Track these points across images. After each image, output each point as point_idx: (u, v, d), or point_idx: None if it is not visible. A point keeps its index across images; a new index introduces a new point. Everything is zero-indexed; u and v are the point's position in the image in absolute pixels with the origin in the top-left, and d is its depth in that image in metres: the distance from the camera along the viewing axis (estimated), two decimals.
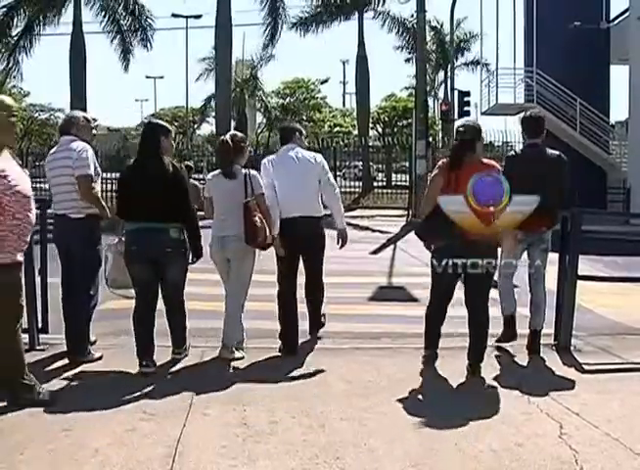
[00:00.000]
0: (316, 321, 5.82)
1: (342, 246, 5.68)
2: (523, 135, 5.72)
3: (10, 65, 27.65)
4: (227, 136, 5.25)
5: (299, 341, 5.52)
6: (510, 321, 5.61)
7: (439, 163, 5.08)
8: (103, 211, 5.08)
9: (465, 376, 4.83)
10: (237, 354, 5.17)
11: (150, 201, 4.70)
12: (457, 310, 7.08)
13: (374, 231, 16.21)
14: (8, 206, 3.82)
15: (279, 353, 5.38)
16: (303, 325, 5.70)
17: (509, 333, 5.61)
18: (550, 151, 5.53)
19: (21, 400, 4.00)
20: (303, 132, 5.83)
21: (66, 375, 4.74)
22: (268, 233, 5.04)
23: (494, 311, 6.90)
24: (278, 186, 5.35)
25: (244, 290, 5.19)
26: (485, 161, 4.97)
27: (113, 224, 5.23)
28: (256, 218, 4.94)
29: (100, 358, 5.09)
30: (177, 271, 4.93)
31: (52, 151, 5.27)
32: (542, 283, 5.62)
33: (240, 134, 5.43)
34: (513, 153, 6.11)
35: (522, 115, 5.76)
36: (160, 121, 5.48)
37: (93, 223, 5.06)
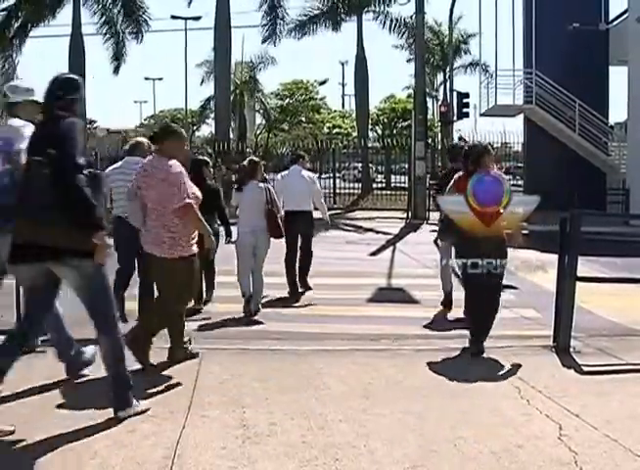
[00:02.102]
0: (304, 280, 8.33)
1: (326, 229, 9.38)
2: (449, 159, 8.14)
3: (6, 66, 27.75)
4: (245, 161, 7.46)
5: (305, 347, 5.72)
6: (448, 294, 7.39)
7: (456, 176, 6.06)
8: None
9: (464, 376, 4.84)
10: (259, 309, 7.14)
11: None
12: (455, 312, 7.10)
13: (378, 233, 16.20)
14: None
15: (279, 354, 5.40)
16: (310, 328, 5.68)
17: (446, 301, 7.39)
18: None
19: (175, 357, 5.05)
20: (306, 158, 9.02)
21: (66, 376, 4.73)
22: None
23: (505, 313, 6.94)
24: (286, 191, 8.14)
25: (263, 265, 7.19)
26: (492, 172, 5.73)
27: None
28: (279, 220, 7.09)
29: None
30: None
31: (116, 166, 6.62)
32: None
33: (256, 159, 7.54)
34: (444, 171, 8.66)
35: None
36: (202, 157, 8.75)
37: None
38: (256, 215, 6.99)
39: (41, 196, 3.62)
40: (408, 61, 39.04)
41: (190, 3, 28.22)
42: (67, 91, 3.93)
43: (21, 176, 3.85)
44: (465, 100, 24.15)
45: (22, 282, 4.25)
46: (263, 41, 29.19)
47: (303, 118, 46.20)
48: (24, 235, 3.69)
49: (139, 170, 4.98)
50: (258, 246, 7.07)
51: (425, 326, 6.68)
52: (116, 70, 28.79)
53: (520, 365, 5.16)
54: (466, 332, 5.75)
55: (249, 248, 7.08)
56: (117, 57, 28.31)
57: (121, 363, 3.96)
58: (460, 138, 23.80)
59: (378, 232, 16.32)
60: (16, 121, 4.48)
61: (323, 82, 47.25)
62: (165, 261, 4.81)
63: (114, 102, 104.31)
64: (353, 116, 38.43)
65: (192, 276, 5.01)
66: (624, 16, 21.57)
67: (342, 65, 57.83)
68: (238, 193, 7.27)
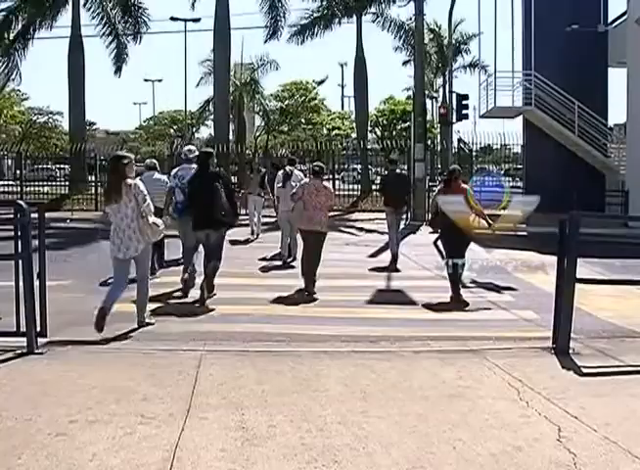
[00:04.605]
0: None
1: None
2: (390, 165, 12.32)
3: (8, 67, 27.76)
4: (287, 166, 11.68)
5: (304, 349, 5.78)
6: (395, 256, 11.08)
7: (439, 186, 8.12)
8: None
9: (463, 378, 4.84)
10: None
11: None
12: (450, 314, 7.11)
13: (377, 234, 16.15)
14: None
15: (278, 356, 5.40)
16: (309, 330, 5.68)
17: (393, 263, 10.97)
18: (403, 172, 13.17)
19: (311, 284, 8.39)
20: (296, 161, 12.72)
21: (66, 378, 4.74)
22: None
23: (504, 314, 6.95)
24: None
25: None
26: (462, 185, 7.93)
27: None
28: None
29: None
30: None
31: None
32: (398, 232, 11.61)
33: (293, 160, 12.62)
34: (385, 173, 12.79)
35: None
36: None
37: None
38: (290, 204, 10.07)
39: (214, 200, 7.61)
40: (406, 63, 39.08)
41: (193, 5, 28.35)
42: (210, 156, 8.09)
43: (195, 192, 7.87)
44: (464, 102, 24.05)
45: (198, 237, 7.96)
46: (267, 37, 29.18)
47: (303, 120, 46.21)
48: (204, 217, 7.68)
49: (305, 186, 8.82)
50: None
51: (424, 328, 6.68)
52: (117, 72, 28.90)
53: (519, 367, 5.16)
54: (463, 334, 5.81)
55: (286, 222, 11.23)
56: (119, 59, 28.40)
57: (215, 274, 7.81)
58: (460, 140, 23.83)
59: (377, 233, 16.31)
60: (193, 166, 8.59)
61: (322, 82, 47.18)
62: (322, 234, 8.64)
63: (114, 103, 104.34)
64: (353, 117, 38.42)
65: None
66: (623, 17, 21.58)
67: (342, 66, 57.88)
68: (281, 188, 11.47)
